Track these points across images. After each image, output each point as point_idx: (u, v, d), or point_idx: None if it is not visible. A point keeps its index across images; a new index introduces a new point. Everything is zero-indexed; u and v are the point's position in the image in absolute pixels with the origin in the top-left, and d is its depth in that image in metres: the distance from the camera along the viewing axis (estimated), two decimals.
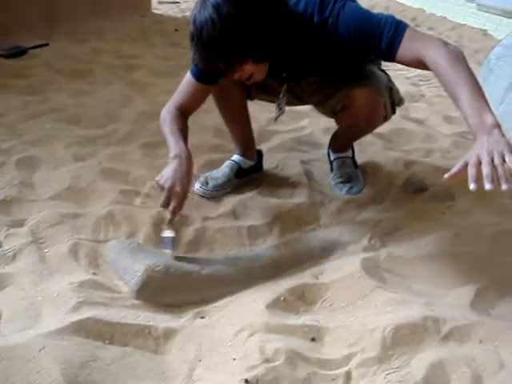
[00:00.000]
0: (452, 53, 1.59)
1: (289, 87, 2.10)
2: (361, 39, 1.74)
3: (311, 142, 2.80)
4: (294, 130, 2.96)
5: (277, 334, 1.46)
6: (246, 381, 1.28)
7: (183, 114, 1.98)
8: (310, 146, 2.75)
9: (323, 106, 2.22)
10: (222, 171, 2.28)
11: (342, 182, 2.31)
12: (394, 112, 2.20)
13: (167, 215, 1.79)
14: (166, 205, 1.77)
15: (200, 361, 1.40)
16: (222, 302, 1.66)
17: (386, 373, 1.34)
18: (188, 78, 1.99)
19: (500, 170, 1.33)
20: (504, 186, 1.31)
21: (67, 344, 1.36)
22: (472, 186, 1.35)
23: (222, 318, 1.57)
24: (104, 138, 2.67)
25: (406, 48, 1.66)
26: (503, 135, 1.42)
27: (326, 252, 1.90)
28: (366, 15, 1.75)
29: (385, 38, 1.68)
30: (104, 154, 2.47)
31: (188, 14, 7.04)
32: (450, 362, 1.37)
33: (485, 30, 6.51)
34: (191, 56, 1.79)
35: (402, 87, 3.81)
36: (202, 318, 1.58)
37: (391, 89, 2.14)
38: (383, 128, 2.95)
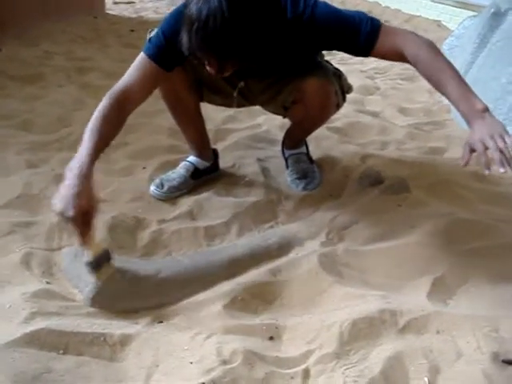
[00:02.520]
0: (429, 43, 1.69)
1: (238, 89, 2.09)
2: (338, 36, 1.76)
3: (267, 139, 2.79)
4: (250, 127, 2.95)
5: (234, 334, 1.45)
6: None
7: (124, 106, 1.77)
8: (266, 143, 2.74)
9: (273, 102, 2.20)
10: (178, 173, 2.25)
11: (298, 179, 2.30)
12: (344, 100, 2.21)
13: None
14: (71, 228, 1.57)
15: (157, 366, 1.38)
16: (180, 305, 1.63)
17: (344, 368, 1.34)
18: (142, 59, 1.83)
19: (506, 153, 1.43)
20: None
21: (19, 356, 1.32)
22: (487, 172, 1.46)
23: (179, 322, 1.55)
24: (57, 142, 2.62)
25: (383, 42, 1.72)
26: (494, 117, 1.53)
27: (283, 249, 1.89)
28: (340, 12, 1.78)
29: (363, 33, 1.72)
30: (57, 159, 2.43)
31: (144, 14, 6.98)
32: (408, 354, 1.38)
33: (439, 21, 6.59)
34: (158, 36, 1.75)
35: (358, 81, 3.87)
36: (160, 322, 1.56)
37: (340, 76, 2.15)
38: (338, 122, 2.99)
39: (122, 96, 1.77)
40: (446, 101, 3.44)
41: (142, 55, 1.84)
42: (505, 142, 1.45)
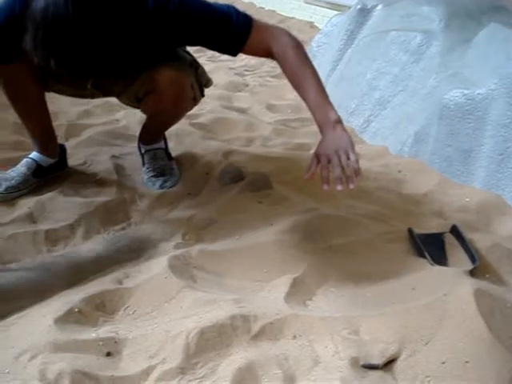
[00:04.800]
0: (297, 44, 1.67)
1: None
2: (207, 29, 1.65)
3: (125, 136, 2.59)
4: (108, 122, 2.74)
5: (64, 352, 1.25)
6: None
7: None
8: (123, 140, 2.54)
9: (126, 93, 2.02)
10: (18, 170, 2.01)
11: (154, 176, 2.13)
12: (202, 94, 2.08)
13: None
14: None
15: None
16: (7, 321, 1.42)
17: None
18: None
19: (347, 170, 1.46)
20: (351, 186, 1.45)
21: None
22: (325, 187, 1.49)
23: (4, 340, 1.34)
24: None
25: (253, 39, 1.65)
26: (345, 130, 1.56)
27: (134, 253, 1.71)
28: (209, 4, 1.65)
29: (234, 28, 1.63)
30: None
31: None
32: (261, 364, 1.24)
33: (311, 22, 6.62)
34: None
35: (227, 77, 3.75)
36: None
37: (196, 69, 2.01)
38: (203, 118, 2.85)
39: None
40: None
41: None
42: (348, 159, 1.47)
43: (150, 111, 2.09)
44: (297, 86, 1.65)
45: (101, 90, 2.02)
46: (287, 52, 1.64)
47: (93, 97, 2.12)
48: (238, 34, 1.65)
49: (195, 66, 2.02)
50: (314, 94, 1.60)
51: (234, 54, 1.72)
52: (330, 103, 1.60)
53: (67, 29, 1.34)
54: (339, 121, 1.57)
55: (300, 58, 1.65)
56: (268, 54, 1.69)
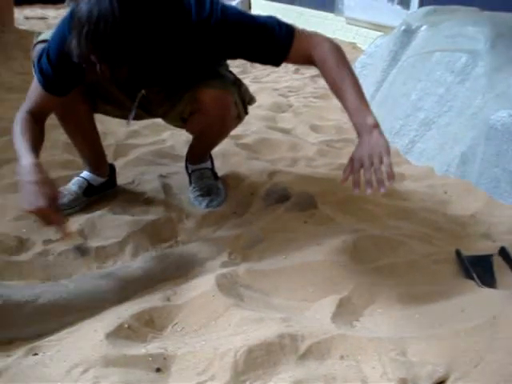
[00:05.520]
0: (337, 50, 1.67)
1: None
2: (250, 41, 1.67)
3: (172, 155, 2.64)
4: (154, 142, 2.80)
5: (115, 367, 1.27)
6: None
7: (36, 116, 1.76)
8: (170, 159, 2.59)
9: (171, 114, 2.06)
10: (69, 189, 2.07)
11: (201, 195, 2.16)
12: (246, 112, 2.10)
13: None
14: (46, 224, 1.59)
15: None
16: (59, 335, 1.45)
17: None
18: (36, 85, 1.77)
19: (378, 173, 1.47)
20: (382, 190, 1.46)
21: None
22: (356, 191, 1.50)
23: (56, 354, 1.37)
24: None
25: (296, 48, 1.67)
26: (382, 134, 1.55)
27: (181, 270, 1.74)
28: (251, 16, 1.69)
29: (277, 39, 1.65)
30: None
31: None
32: (309, 383, 1.25)
33: (354, 43, 6.65)
34: (45, 64, 1.67)
35: (270, 98, 3.79)
36: (35, 354, 1.37)
37: (240, 87, 2.03)
38: (248, 138, 2.88)
39: (30, 112, 1.75)
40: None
41: (36, 81, 1.76)
42: (381, 162, 1.48)
43: (196, 131, 2.13)
44: (336, 90, 1.65)
45: (146, 111, 2.07)
46: (327, 57, 1.65)
47: (137, 118, 2.16)
48: (282, 44, 1.66)
49: (238, 84, 2.05)
50: (353, 97, 1.60)
51: (277, 64, 1.73)
52: (368, 107, 1.60)
53: (111, 24, 1.38)
54: (377, 125, 1.56)
55: (339, 62, 1.65)
56: (310, 61, 1.69)
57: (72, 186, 2.08)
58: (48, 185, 1.56)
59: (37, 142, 1.71)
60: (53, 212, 1.55)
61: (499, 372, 1.23)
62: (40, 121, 1.78)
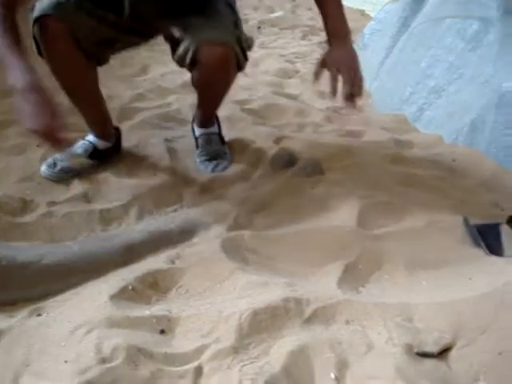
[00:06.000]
0: None
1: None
2: None
3: (177, 119, 2.61)
4: (160, 106, 2.76)
5: (119, 328, 1.27)
6: None
7: (8, 8, 1.64)
8: (175, 123, 2.56)
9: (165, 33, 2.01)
10: (73, 152, 2.05)
11: (207, 160, 2.13)
12: (246, 59, 2.01)
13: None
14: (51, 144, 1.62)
15: (27, 366, 1.19)
16: (63, 296, 1.46)
17: (242, 364, 1.18)
18: None
19: (356, 88, 1.64)
20: (359, 102, 1.68)
21: None
22: (332, 97, 1.68)
23: (60, 315, 1.37)
24: None
25: None
26: (353, 46, 1.72)
27: (186, 234, 1.73)
28: None
29: None
30: None
31: None
32: (313, 347, 1.23)
33: (362, 10, 6.54)
34: None
35: (277, 64, 3.74)
36: (39, 315, 1.37)
37: (240, 32, 1.95)
38: (254, 103, 2.85)
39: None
40: (365, 86, 3.36)
41: None
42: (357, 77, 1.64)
43: (198, 86, 2.06)
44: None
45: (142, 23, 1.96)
46: None
47: (143, 37, 2.06)
48: None
49: (239, 28, 1.96)
50: (334, 7, 1.71)
51: None
52: (344, 16, 1.70)
53: None
54: (350, 32, 1.70)
55: None
56: None
57: (77, 149, 2.06)
58: (49, 101, 1.56)
59: (19, 39, 1.63)
60: (57, 129, 1.56)
61: (506, 339, 1.22)
62: (12, 11, 1.65)
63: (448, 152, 2.35)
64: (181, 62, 1.93)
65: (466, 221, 1.76)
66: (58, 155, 2.02)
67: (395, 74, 3.09)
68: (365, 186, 1.98)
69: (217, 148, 2.19)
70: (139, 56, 3.60)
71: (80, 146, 2.08)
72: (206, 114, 2.23)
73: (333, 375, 1.18)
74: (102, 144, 2.11)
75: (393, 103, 2.96)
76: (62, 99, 2.37)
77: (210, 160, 2.13)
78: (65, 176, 1.97)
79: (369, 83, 3.37)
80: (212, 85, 2.01)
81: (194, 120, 2.28)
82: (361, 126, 2.67)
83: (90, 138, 2.12)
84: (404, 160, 2.23)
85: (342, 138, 2.48)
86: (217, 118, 2.30)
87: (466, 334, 1.26)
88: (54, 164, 1.98)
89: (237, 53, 1.91)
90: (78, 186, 1.93)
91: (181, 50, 1.88)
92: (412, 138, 2.54)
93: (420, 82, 2.85)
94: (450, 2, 2.97)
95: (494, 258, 1.57)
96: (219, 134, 2.26)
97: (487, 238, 1.68)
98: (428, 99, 2.75)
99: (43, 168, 1.97)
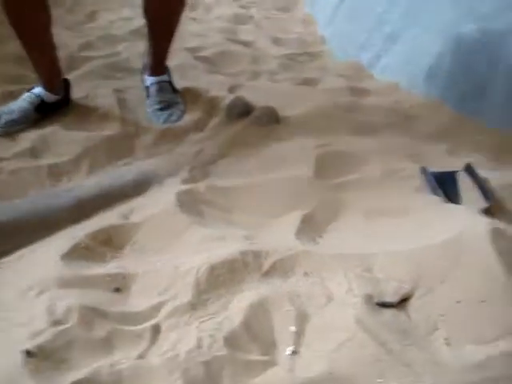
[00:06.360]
0: None
1: None
2: None
3: (128, 68, 2.52)
4: (109, 55, 2.67)
5: (72, 288, 1.22)
6: (28, 352, 1.04)
7: None
8: (126, 73, 2.47)
9: None
10: (19, 104, 1.96)
11: (159, 109, 2.07)
12: None
13: None
14: None
15: None
16: (13, 257, 1.40)
17: (200, 321, 1.15)
18: None
19: None
20: None
21: None
22: None
23: (9, 277, 1.32)
24: None
25: None
26: None
27: (139, 188, 1.67)
28: None
29: None
30: None
31: None
32: (273, 301, 1.21)
33: None
34: None
35: (231, 10, 3.64)
36: None
37: None
38: (207, 51, 2.78)
39: None
40: (320, 32, 3.31)
41: None
42: None
43: (149, 13, 2.02)
44: None
45: None
46: None
47: None
48: None
49: None
50: None
51: None
52: None
53: None
54: None
55: None
56: None
57: (22, 102, 1.97)
58: None
59: None
60: None
61: (465, 287, 1.22)
62: None
63: (404, 99, 2.33)
64: None
65: (423, 169, 1.75)
66: (3, 107, 1.92)
67: (350, 20, 3.04)
68: (321, 135, 1.95)
69: (169, 96, 2.13)
70: (86, 1, 3.46)
71: (25, 98, 1.99)
72: (158, 55, 2.15)
73: (293, 328, 1.16)
74: (49, 97, 2.03)
75: (349, 50, 2.92)
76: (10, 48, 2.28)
77: (162, 109, 2.07)
78: (10, 130, 1.88)
79: (324, 29, 3.32)
80: (163, 11, 1.98)
81: (143, 69, 2.21)
82: (317, 74, 2.62)
83: (37, 90, 2.03)
84: (360, 108, 2.20)
85: (297, 86, 2.43)
86: (167, 67, 2.22)
87: (425, 283, 1.26)
88: None
89: None
90: (24, 140, 1.86)
91: None
92: (368, 86, 2.51)
93: (376, 28, 2.81)
94: None
95: (451, 206, 1.57)
96: (170, 83, 2.19)
97: (444, 185, 1.68)
98: (384, 45, 2.71)
99: None
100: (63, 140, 1.87)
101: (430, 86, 2.34)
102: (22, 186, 1.68)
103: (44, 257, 1.35)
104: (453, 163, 1.83)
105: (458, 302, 1.20)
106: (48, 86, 2.03)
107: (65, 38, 2.74)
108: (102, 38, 2.85)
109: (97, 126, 1.98)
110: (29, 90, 2.04)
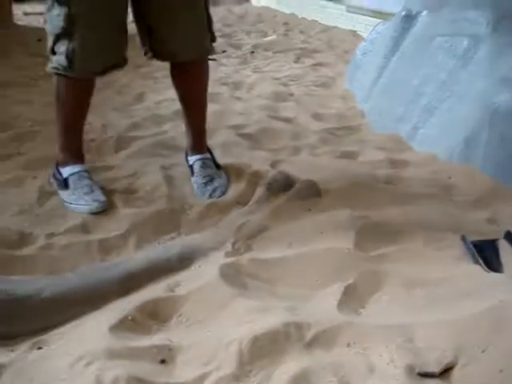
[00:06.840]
0: None
1: None
2: None
3: (173, 147, 2.62)
4: (156, 134, 2.78)
5: (120, 359, 1.26)
6: None
7: None
8: (171, 151, 2.57)
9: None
10: (89, 184, 2.08)
11: (204, 184, 2.15)
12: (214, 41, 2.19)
13: None
14: None
15: None
16: (64, 328, 1.46)
17: None
18: None
19: None
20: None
21: None
22: None
23: (61, 347, 1.37)
24: None
25: None
26: None
27: (185, 261, 1.73)
28: None
29: None
30: None
31: None
32: (315, 371, 1.23)
33: (354, 31, 6.60)
34: None
35: (271, 87, 3.77)
36: (39, 348, 1.37)
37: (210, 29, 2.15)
38: (249, 128, 2.87)
39: None
40: (359, 107, 3.39)
41: None
42: None
43: (180, 91, 2.26)
44: None
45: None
46: None
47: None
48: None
49: (210, 23, 2.15)
50: None
51: None
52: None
53: None
54: None
55: None
56: None
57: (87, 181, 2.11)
58: None
59: None
60: None
61: (506, 356, 1.22)
62: None
63: (443, 169, 2.36)
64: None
65: (463, 238, 1.76)
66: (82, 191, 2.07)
67: (388, 94, 3.12)
68: (361, 207, 1.99)
69: (212, 172, 2.21)
70: (134, 84, 3.64)
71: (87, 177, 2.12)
72: (195, 135, 2.29)
73: None
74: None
75: (387, 123, 2.98)
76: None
77: (206, 184, 2.15)
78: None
79: (363, 104, 3.40)
80: (192, 88, 2.24)
81: (186, 150, 2.31)
82: (356, 147, 2.68)
83: (80, 167, 2.15)
84: (400, 179, 2.24)
85: (337, 160, 2.49)
86: (208, 148, 2.33)
87: (466, 353, 1.26)
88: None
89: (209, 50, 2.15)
90: (75, 217, 1.94)
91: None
92: (407, 157, 2.55)
93: (412, 101, 2.87)
94: (440, 21, 3.01)
95: (492, 274, 1.57)
96: (213, 160, 2.28)
97: (485, 254, 1.68)
98: (421, 117, 2.77)
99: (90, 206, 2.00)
100: (112, 216, 1.95)
101: (469, 156, 2.37)
102: (73, 261, 1.75)
103: (94, 328, 1.40)
104: (493, 231, 1.84)
105: (500, 371, 1.20)
106: (77, 159, 2.17)
107: (114, 119, 2.88)
108: (148, 118, 2.99)
109: (144, 203, 2.07)
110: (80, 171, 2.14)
